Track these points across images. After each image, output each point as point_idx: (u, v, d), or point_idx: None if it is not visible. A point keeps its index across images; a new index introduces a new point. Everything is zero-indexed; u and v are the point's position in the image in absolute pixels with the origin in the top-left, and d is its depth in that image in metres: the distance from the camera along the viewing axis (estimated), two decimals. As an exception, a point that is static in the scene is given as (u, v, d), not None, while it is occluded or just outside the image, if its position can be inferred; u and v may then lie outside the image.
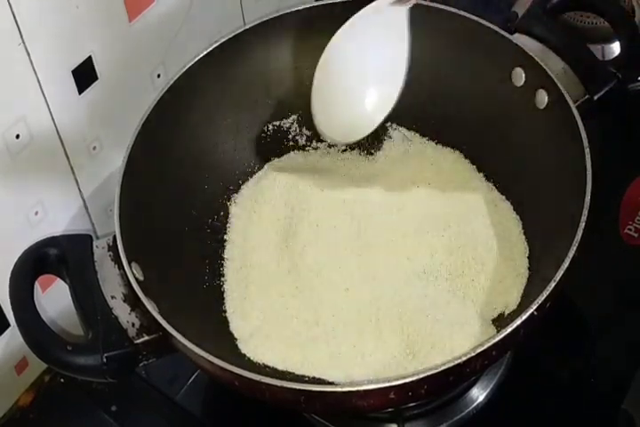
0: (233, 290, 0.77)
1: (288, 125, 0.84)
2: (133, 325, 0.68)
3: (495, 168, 0.79)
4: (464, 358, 0.61)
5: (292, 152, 0.85)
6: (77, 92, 0.76)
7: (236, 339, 0.74)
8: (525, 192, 0.77)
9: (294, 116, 0.84)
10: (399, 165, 0.82)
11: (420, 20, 0.76)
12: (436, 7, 0.79)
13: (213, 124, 0.81)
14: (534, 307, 0.63)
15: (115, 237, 0.70)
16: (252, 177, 0.83)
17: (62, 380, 0.83)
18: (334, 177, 0.82)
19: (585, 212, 0.66)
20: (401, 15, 0.74)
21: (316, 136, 0.84)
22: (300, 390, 0.62)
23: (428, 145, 0.83)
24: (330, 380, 0.70)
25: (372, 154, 0.84)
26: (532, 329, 0.64)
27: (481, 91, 0.80)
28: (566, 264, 0.64)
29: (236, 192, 0.82)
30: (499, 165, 0.79)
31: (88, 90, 0.77)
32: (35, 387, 0.84)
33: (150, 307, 0.66)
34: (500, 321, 0.72)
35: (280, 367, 0.71)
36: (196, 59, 0.78)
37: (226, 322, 0.75)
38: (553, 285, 0.63)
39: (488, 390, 0.78)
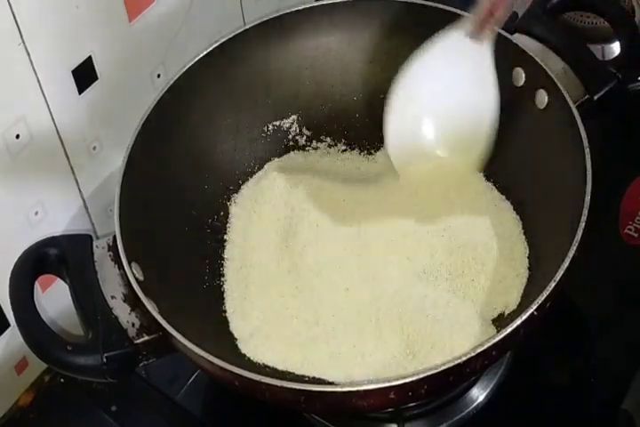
0: (233, 290, 0.77)
1: (288, 125, 0.84)
2: (133, 325, 0.68)
3: (495, 168, 0.79)
4: (464, 358, 0.61)
5: (291, 152, 0.84)
6: (77, 92, 0.76)
7: (235, 339, 0.74)
8: (525, 192, 0.77)
9: (294, 116, 0.84)
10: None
11: (419, 19, 0.76)
12: (435, 7, 0.79)
13: (213, 124, 0.81)
14: (534, 307, 0.63)
15: (115, 237, 0.70)
16: (251, 177, 0.83)
17: (62, 380, 0.83)
18: (334, 177, 0.81)
19: (585, 212, 0.66)
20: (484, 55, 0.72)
21: (316, 136, 0.84)
22: (300, 390, 0.62)
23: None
24: (330, 380, 0.70)
25: (371, 154, 0.84)
26: (532, 329, 0.64)
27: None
28: (566, 264, 0.64)
29: (236, 192, 0.82)
30: (499, 165, 0.79)
31: (88, 90, 0.77)
32: (35, 387, 0.84)
33: (150, 307, 0.66)
34: (499, 321, 0.71)
35: (280, 367, 0.71)
36: (196, 59, 0.78)
37: (226, 322, 0.75)
38: (553, 285, 0.63)
39: (488, 390, 0.78)
